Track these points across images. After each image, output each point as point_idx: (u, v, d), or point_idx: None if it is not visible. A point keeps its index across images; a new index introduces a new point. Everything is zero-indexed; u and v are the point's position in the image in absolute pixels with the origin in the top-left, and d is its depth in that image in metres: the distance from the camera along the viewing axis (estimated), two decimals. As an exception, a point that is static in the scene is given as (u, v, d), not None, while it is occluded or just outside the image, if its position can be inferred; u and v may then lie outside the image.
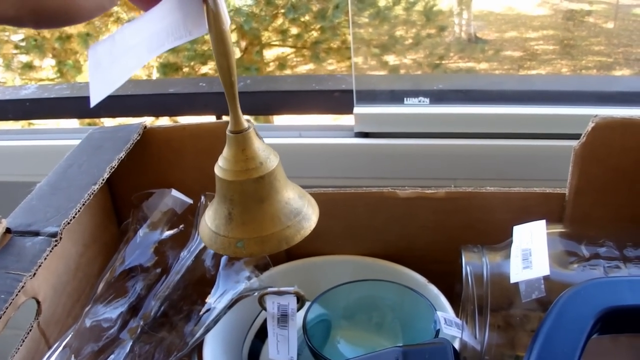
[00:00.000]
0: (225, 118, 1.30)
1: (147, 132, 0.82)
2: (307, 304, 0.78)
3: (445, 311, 0.77)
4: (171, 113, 1.29)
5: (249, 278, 0.79)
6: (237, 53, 4.28)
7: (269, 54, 4.53)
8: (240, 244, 0.56)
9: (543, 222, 0.74)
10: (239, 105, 0.54)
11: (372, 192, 0.83)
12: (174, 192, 0.80)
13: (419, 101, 1.10)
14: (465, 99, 1.11)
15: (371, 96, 1.11)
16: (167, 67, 4.15)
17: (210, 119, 1.32)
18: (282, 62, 4.43)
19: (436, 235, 0.86)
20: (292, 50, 4.44)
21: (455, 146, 1.08)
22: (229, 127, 0.55)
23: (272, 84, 1.25)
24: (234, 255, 0.58)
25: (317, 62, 4.18)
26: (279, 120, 1.60)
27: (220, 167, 0.57)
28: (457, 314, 0.78)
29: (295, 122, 1.21)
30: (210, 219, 0.59)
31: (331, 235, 0.87)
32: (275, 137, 1.12)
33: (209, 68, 4.22)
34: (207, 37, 0.49)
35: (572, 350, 0.52)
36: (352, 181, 1.11)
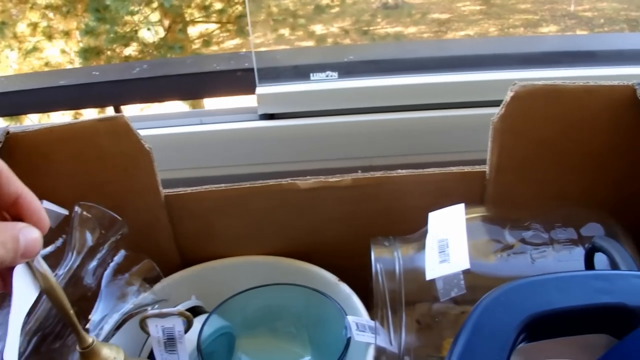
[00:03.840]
0: (124, 109, 1.20)
1: (10, 138, 0.71)
2: (204, 316, 0.69)
3: (357, 313, 0.69)
4: (64, 107, 1.18)
5: (137, 293, 0.70)
6: (160, 32, 4.16)
7: (194, 31, 4.43)
8: None
9: (461, 206, 0.67)
10: (79, 325, 0.54)
11: (270, 184, 0.74)
12: (46, 204, 0.69)
13: (327, 76, 1.01)
14: (377, 71, 1.03)
15: (274, 73, 1.02)
16: (88, 52, 4.01)
17: (108, 110, 1.22)
18: (207, 39, 4.32)
19: (345, 227, 0.78)
20: (217, 25, 4.34)
21: (369, 122, 1.00)
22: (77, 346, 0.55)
23: (170, 67, 1.15)
24: None
25: (243, 36, 4.08)
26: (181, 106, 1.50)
27: None
28: (373, 314, 0.70)
29: (196, 107, 1.11)
30: None
31: (229, 235, 0.79)
32: (175, 126, 1.03)
33: (132, 50, 4.10)
34: (128, 18, 0.42)
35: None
36: (260, 167, 1.02)
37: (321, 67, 1.01)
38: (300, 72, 1.02)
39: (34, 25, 4.05)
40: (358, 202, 0.75)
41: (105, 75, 1.15)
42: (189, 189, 0.75)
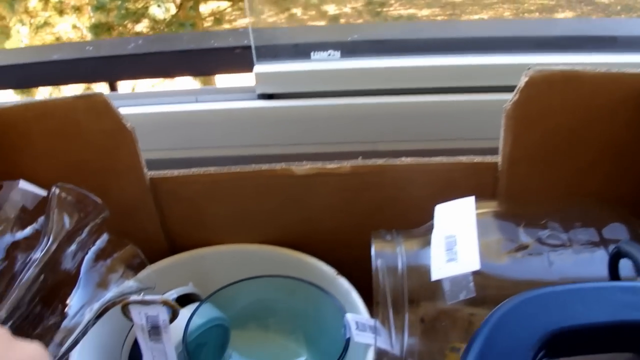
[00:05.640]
0: (124, 84, 1.15)
1: (-14, 115, 0.67)
2: (193, 306, 0.65)
3: (357, 311, 0.64)
4: (55, 83, 1.14)
5: (120, 280, 0.65)
6: (172, 9, 4.12)
7: (206, 8, 4.38)
8: None
9: (471, 199, 0.61)
10: None
11: (262, 170, 0.69)
12: (23, 184, 0.65)
13: (329, 55, 0.96)
14: (382, 51, 0.97)
15: (273, 52, 0.96)
16: (99, 28, 3.97)
17: (102, 86, 1.17)
18: (218, 17, 4.27)
19: (344, 216, 0.73)
20: (229, 3, 4.29)
21: (373, 105, 0.94)
22: None
23: (166, 43, 1.10)
24: None
25: (255, 14, 4.03)
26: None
27: None
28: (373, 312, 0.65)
29: (192, 85, 1.06)
30: None
31: (219, 221, 0.74)
32: (169, 104, 0.98)
33: (143, 26, 4.05)
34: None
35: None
36: (257, 149, 0.97)
37: (323, 46, 0.95)
38: (301, 51, 0.96)
39: (45, 0, 4.01)
40: (358, 190, 0.70)
41: (98, 50, 1.10)
42: (175, 172, 0.70)
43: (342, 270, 0.70)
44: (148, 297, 0.55)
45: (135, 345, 0.67)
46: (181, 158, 0.96)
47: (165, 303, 0.56)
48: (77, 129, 0.67)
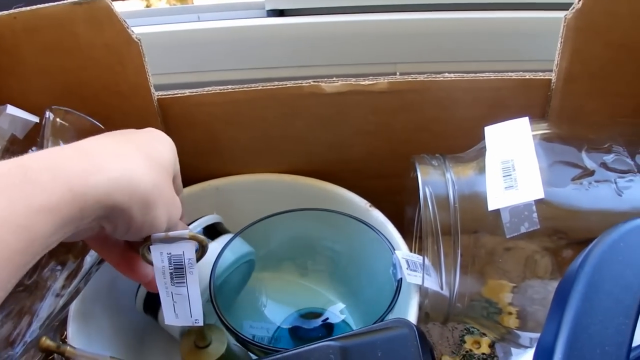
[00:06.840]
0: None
1: (-39, 29, 0.60)
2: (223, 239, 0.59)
3: (396, 246, 0.58)
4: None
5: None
6: None
7: None
8: None
9: (526, 119, 0.56)
10: None
11: (288, 87, 0.63)
12: (11, 109, 0.60)
13: (348, -35, 0.89)
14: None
15: (286, -38, 0.89)
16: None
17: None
18: None
19: (377, 141, 0.67)
20: None
21: (393, 22, 0.87)
22: None
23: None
24: None
25: None
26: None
27: None
28: (409, 248, 0.60)
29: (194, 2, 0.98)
30: None
31: (236, 148, 0.69)
32: (168, 23, 0.91)
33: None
34: None
35: (621, 334, 0.33)
36: (266, 72, 0.91)
37: (341, -45, 0.88)
38: (317, -41, 0.89)
39: None
40: (395, 111, 0.64)
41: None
42: (187, 92, 0.64)
43: (372, 203, 0.65)
44: (172, 233, 0.47)
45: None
46: (180, 83, 0.88)
47: (193, 238, 0.48)
48: (74, 42, 0.60)
